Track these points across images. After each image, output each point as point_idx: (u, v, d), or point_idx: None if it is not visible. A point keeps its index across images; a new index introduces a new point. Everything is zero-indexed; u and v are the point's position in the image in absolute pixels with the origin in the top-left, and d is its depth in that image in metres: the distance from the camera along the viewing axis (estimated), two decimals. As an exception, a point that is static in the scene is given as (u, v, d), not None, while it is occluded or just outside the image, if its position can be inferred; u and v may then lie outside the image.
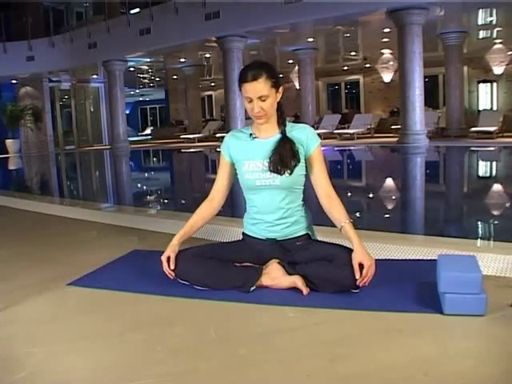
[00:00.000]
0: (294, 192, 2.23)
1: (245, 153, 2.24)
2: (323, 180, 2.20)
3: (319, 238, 2.36)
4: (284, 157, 2.14)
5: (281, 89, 2.19)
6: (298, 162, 2.17)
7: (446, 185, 6.90)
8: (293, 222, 2.23)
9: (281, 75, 21.43)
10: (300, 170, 2.20)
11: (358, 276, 1.98)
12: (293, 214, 2.23)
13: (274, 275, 2.13)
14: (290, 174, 2.16)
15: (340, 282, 2.03)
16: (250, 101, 2.13)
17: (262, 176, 2.18)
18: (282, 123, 2.22)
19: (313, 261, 2.14)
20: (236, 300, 2.04)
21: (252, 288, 2.11)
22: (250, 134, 2.26)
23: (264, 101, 2.12)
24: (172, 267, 2.17)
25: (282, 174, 2.15)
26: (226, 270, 2.16)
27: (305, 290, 2.04)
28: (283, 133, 2.20)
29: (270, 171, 2.16)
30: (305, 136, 2.20)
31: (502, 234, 3.60)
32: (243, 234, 2.39)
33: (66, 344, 1.73)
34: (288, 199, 2.21)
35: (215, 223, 3.38)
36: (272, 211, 2.22)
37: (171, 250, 2.19)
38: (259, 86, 2.10)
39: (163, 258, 2.18)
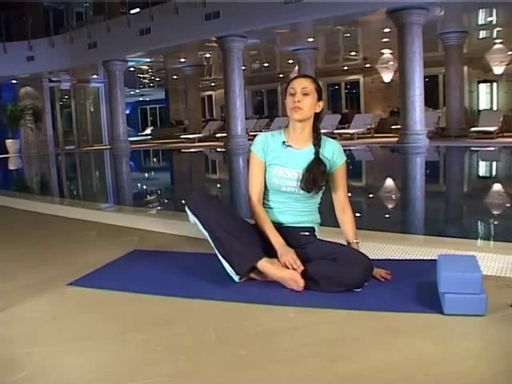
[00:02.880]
0: (314, 197, 2.36)
1: (277, 157, 2.33)
2: (342, 195, 2.37)
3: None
4: (317, 178, 2.26)
5: (321, 103, 2.32)
6: (326, 182, 2.31)
7: (446, 185, 6.90)
8: (303, 215, 2.34)
9: (281, 75, 21.58)
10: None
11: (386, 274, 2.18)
12: (306, 210, 2.35)
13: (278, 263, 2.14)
14: (317, 192, 2.30)
15: (344, 281, 2.04)
16: (293, 94, 2.26)
17: (289, 184, 2.29)
18: (317, 142, 2.31)
19: (315, 260, 2.16)
20: (236, 300, 2.04)
21: (238, 277, 2.15)
22: (283, 142, 2.34)
23: (306, 95, 2.25)
24: (301, 266, 2.10)
25: (310, 192, 2.27)
26: (240, 235, 2.18)
27: (301, 282, 2.05)
28: (317, 153, 2.29)
29: (302, 189, 2.26)
30: (332, 151, 2.33)
31: (501, 234, 3.60)
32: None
33: (66, 344, 1.73)
34: (307, 203, 2.35)
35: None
36: (287, 205, 2.33)
37: (293, 253, 2.14)
38: (305, 82, 2.28)
39: (292, 261, 2.10)
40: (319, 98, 2.30)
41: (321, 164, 2.27)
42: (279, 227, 2.30)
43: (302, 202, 2.33)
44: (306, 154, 2.30)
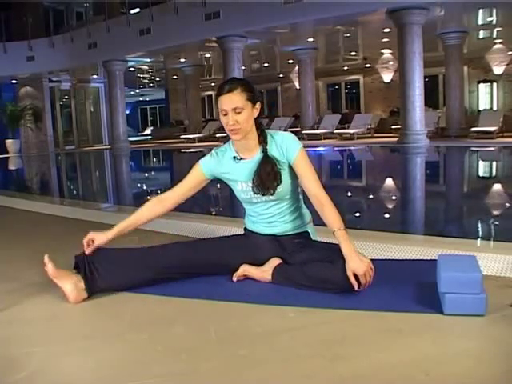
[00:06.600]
0: (291, 197, 2.24)
1: (234, 174, 2.24)
2: (311, 184, 2.14)
3: (319, 239, 2.35)
4: (264, 180, 2.13)
5: (258, 105, 2.17)
6: (280, 182, 2.15)
7: (446, 185, 6.90)
8: (291, 221, 2.25)
9: (281, 75, 21.59)
10: (289, 177, 2.19)
11: (356, 287, 1.96)
12: (291, 214, 2.25)
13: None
14: (273, 194, 2.16)
15: (343, 283, 2.01)
16: (226, 114, 2.11)
17: (257, 195, 2.19)
18: (263, 141, 2.19)
19: (312, 262, 2.13)
20: (236, 300, 2.04)
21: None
22: (234, 157, 2.24)
23: (239, 113, 2.10)
24: (88, 252, 2.20)
25: (264, 195, 2.16)
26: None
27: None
28: (265, 151, 2.17)
29: (254, 193, 2.17)
30: (280, 144, 2.18)
31: (501, 234, 3.60)
32: (245, 229, 2.40)
33: (66, 344, 1.73)
34: (285, 206, 2.23)
35: (215, 223, 3.38)
36: (270, 217, 2.25)
37: (98, 238, 2.20)
38: (235, 98, 2.08)
39: (85, 241, 2.22)
40: (254, 103, 2.14)
41: (267, 163, 2.14)
42: (273, 239, 2.26)
43: (283, 204, 2.21)
44: (258, 159, 2.18)
